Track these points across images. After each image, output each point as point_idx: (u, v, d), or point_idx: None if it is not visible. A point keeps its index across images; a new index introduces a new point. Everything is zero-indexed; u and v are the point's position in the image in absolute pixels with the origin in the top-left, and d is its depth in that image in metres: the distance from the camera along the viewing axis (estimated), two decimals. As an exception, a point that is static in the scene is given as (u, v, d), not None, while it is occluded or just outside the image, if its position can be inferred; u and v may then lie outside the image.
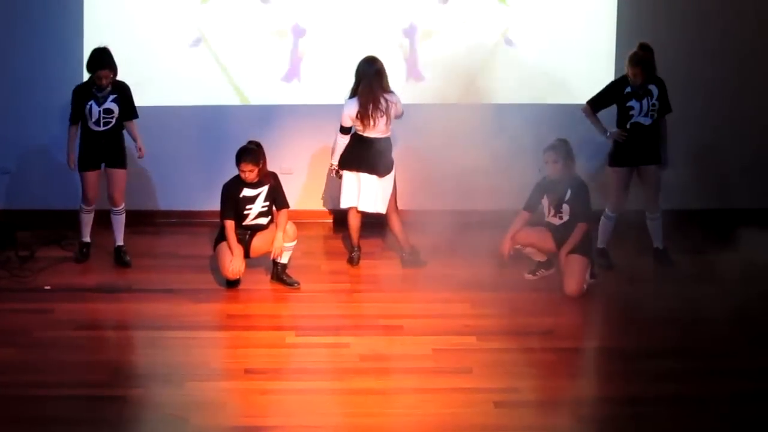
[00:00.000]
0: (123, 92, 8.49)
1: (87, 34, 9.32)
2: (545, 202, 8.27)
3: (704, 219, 9.28)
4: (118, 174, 8.61)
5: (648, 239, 8.82)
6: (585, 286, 8.11)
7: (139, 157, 8.70)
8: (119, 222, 8.72)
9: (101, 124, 8.45)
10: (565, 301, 8.05)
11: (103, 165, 8.60)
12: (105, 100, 8.41)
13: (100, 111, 8.41)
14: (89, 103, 8.41)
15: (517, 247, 8.34)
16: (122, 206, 8.71)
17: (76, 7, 9.33)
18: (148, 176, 9.52)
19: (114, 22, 9.31)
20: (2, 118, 9.44)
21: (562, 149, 8.12)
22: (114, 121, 8.47)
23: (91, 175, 8.59)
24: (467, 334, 7.40)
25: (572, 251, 8.08)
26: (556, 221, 8.24)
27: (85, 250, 8.76)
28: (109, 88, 8.41)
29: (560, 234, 8.19)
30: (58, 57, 9.35)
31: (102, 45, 8.40)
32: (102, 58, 8.32)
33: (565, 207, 8.18)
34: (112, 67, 8.36)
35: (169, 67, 9.36)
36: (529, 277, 8.42)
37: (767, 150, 9.72)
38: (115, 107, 8.45)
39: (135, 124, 8.62)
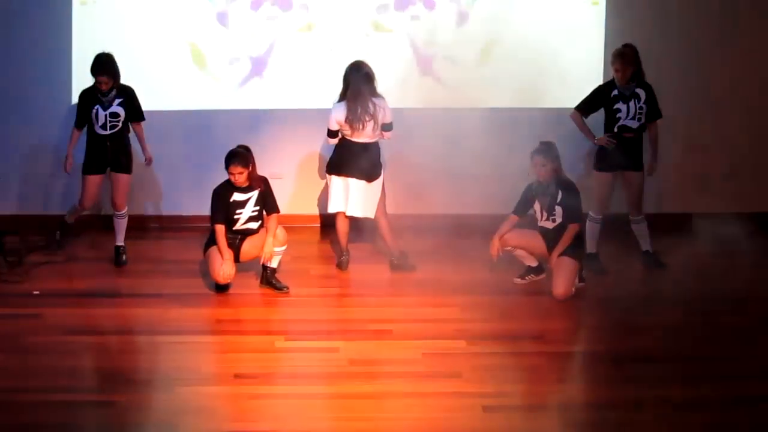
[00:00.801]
0: (129, 96, 8.54)
1: (75, 39, 9.32)
2: (537, 206, 8.26)
3: (692, 223, 9.29)
4: (122, 178, 8.65)
5: (637, 242, 8.84)
6: (573, 290, 8.12)
7: (147, 164, 8.76)
8: (120, 225, 8.78)
9: (108, 128, 8.49)
10: (554, 305, 8.06)
11: (108, 169, 8.66)
12: (110, 104, 8.47)
13: (106, 115, 8.45)
14: (95, 107, 8.47)
15: (508, 248, 8.34)
16: (124, 210, 8.75)
17: (65, 13, 9.31)
18: (138, 181, 9.47)
19: (101, 26, 9.30)
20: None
21: (551, 152, 8.12)
22: (120, 124, 8.52)
23: (93, 179, 8.63)
24: (457, 339, 7.39)
25: (563, 254, 8.10)
26: (550, 224, 8.24)
27: (60, 235, 8.78)
28: (114, 92, 8.45)
29: (553, 237, 8.19)
30: (46, 62, 9.33)
31: (106, 51, 8.50)
32: (100, 64, 8.39)
33: (558, 209, 8.18)
34: (110, 73, 8.40)
35: (157, 73, 9.34)
36: (519, 281, 8.42)
37: (752, 154, 9.75)
38: (121, 111, 8.49)
39: (143, 128, 8.67)
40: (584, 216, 8.33)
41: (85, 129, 8.60)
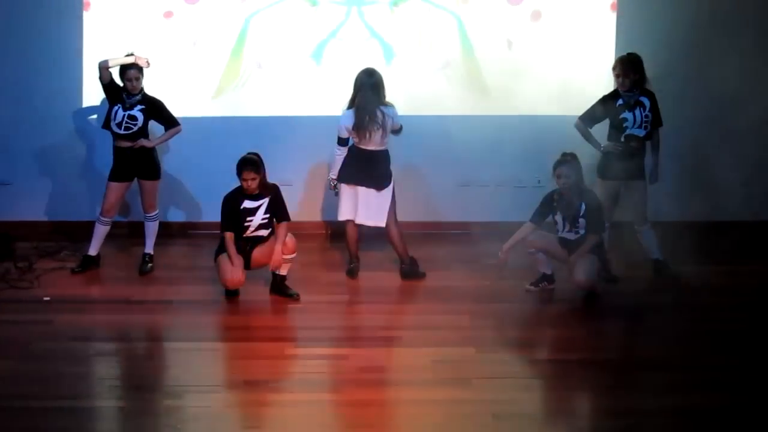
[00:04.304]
0: (152, 106, 8.62)
1: (86, 46, 9.35)
2: (559, 218, 8.22)
3: (702, 231, 9.27)
4: (147, 184, 8.74)
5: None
6: (595, 281, 8.10)
7: (134, 145, 8.66)
8: (150, 229, 8.85)
9: (122, 128, 8.54)
10: (564, 313, 8.04)
11: (134, 179, 8.75)
12: (132, 108, 8.54)
13: (124, 115, 8.54)
14: (116, 106, 8.55)
15: (531, 251, 8.31)
16: (153, 213, 8.82)
17: (76, 19, 9.34)
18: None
19: (113, 33, 9.34)
20: (1, 129, 9.45)
21: (574, 164, 8.08)
22: (136, 128, 8.56)
23: (115, 186, 8.69)
24: (466, 346, 7.38)
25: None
26: (572, 236, 8.19)
27: (85, 263, 8.73)
28: (138, 97, 8.52)
29: (574, 248, 8.17)
30: (57, 69, 9.37)
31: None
32: (131, 64, 8.53)
33: (581, 221, 8.14)
34: (139, 68, 8.53)
35: (167, 79, 9.35)
36: (531, 288, 8.39)
37: (765, 162, 9.72)
38: (140, 116, 8.56)
39: (174, 132, 8.72)
40: (604, 228, 8.29)
41: (111, 140, 8.71)
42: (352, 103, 8.42)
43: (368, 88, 8.35)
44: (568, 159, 8.11)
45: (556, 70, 9.56)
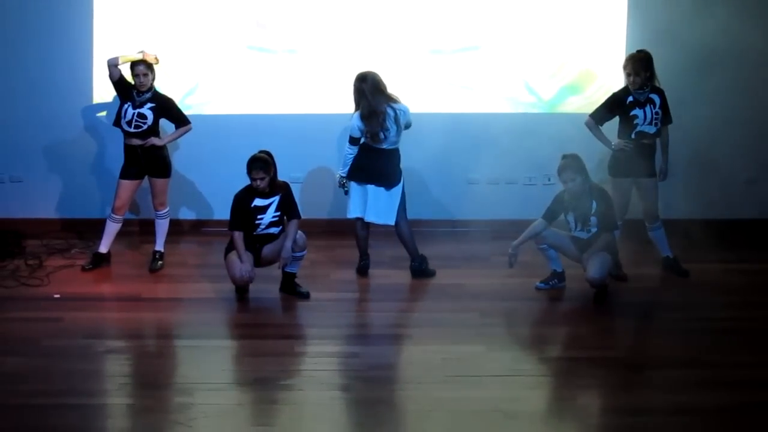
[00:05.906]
0: (163, 105, 8.63)
1: (96, 43, 9.36)
2: (571, 218, 8.19)
3: (712, 228, 9.26)
4: (157, 182, 8.75)
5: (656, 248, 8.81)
6: (606, 279, 8.08)
7: (145, 143, 8.64)
8: (160, 227, 8.88)
9: (132, 126, 8.55)
10: (574, 310, 8.04)
11: (144, 177, 8.76)
12: (142, 106, 8.55)
13: (134, 114, 8.54)
14: (126, 104, 8.57)
15: (542, 246, 8.29)
16: (164, 210, 8.83)
17: (86, 16, 9.36)
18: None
19: (123, 31, 9.35)
20: (12, 127, 9.48)
21: (576, 165, 8.04)
22: (146, 126, 8.57)
23: (126, 184, 8.70)
24: (476, 344, 7.38)
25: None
26: (584, 235, 8.18)
27: (95, 260, 8.75)
28: (148, 95, 8.53)
29: (587, 247, 8.15)
30: (67, 66, 9.38)
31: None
32: (141, 60, 8.55)
33: (593, 219, 8.12)
34: (149, 66, 8.54)
35: (176, 77, 9.37)
36: (541, 286, 8.38)
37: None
38: (150, 114, 8.57)
39: (184, 130, 8.73)
40: (617, 225, 8.27)
41: (122, 137, 8.72)
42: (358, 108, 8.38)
43: (369, 92, 8.30)
44: (569, 162, 8.04)
45: (565, 69, 9.55)
